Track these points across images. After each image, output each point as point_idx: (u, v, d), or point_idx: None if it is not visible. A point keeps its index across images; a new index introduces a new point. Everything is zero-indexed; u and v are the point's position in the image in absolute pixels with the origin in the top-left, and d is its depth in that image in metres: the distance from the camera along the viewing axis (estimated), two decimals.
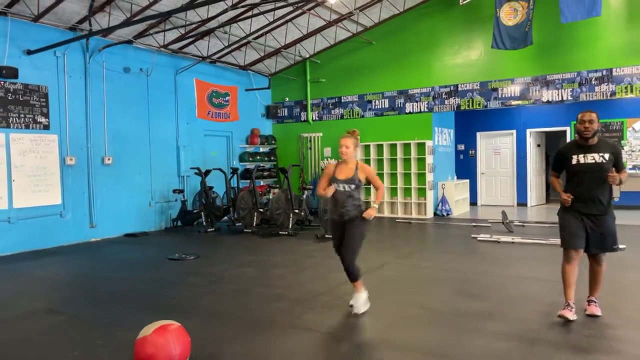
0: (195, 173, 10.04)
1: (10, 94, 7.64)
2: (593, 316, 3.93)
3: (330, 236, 4.53)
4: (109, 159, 9.02)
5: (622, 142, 11.51)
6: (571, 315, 3.85)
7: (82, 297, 5.16)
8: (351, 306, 4.28)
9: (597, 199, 3.89)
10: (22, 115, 7.79)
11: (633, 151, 11.44)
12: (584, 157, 3.91)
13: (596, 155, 3.86)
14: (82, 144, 8.64)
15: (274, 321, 4.12)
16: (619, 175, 3.86)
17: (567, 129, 12.01)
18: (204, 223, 9.88)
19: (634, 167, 11.43)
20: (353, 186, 4.22)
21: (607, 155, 3.86)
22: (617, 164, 3.91)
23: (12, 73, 7.57)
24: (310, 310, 4.42)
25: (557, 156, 4.18)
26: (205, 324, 4.08)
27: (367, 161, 11.84)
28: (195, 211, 10.08)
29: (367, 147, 11.83)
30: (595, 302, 4.05)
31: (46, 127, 8.12)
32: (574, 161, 3.95)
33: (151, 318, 3.38)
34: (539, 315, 4.06)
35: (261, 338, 3.73)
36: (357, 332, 3.83)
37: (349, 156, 4.29)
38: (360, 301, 4.26)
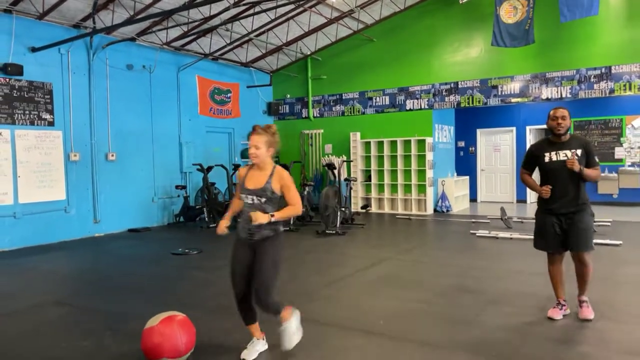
0: (198, 169, 10.15)
1: (15, 91, 7.75)
2: (586, 320, 3.80)
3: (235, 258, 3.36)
4: (112, 155, 9.13)
5: (622, 139, 11.60)
6: (558, 314, 3.86)
7: (89, 290, 5.28)
8: (280, 335, 3.33)
9: (572, 196, 3.80)
10: (27, 112, 7.90)
11: (632, 148, 11.53)
12: (556, 154, 3.84)
13: (568, 152, 3.80)
14: (86, 140, 8.75)
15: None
16: (590, 170, 3.77)
17: None
18: (206, 219, 9.99)
19: (632, 165, 11.52)
20: (263, 199, 3.20)
21: (579, 152, 3.80)
22: (589, 159, 3.83)
23: (17, 70, 7.67)
24: (310, 302, 4.53)
25: (528, 154, 4.11)
26: (209, 315, 4.20)
27: (368, 158, 11.93)
28: (197, 207, 10.19)
29: (367, 144, 11.92)
30: (586, 302, 3.91)
31: (51, 124, 8.23)
32: (546, 159, 3.88)
33: (157, 310, 3.49)
34: (534, 309, 4.16)
35: (263, 329, 3.84)
36: (356, 323, 3.94)
37: (260, 159, 3.20)
38: (291, 330, 3.32)
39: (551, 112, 3.88)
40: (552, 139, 3.92)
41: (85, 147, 8.73)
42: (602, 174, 11.67)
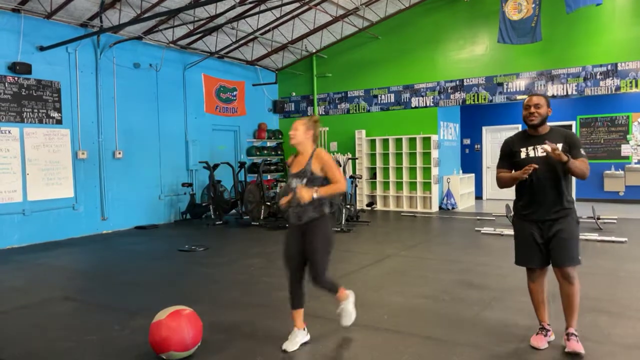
0: (204, 167, 10.22)
1: (24, 90, 7.84)
2: (575, 354, 3.15)
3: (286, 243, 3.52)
4: (119, 153, 9.22)
5: (628, 136, 11.55)
6: (543, 343, 3.30)
7: (97, 285, 5.36)
8: (339, 315, 3.66)
9: (553, 200, 3.22)
10: (35, 110, 7.99)
11: (639, 146, 11.47)
12: (534, 149, 3.27)
13: (547, 147, 3.14)
14: (93, 138, 8.84)
15: (281, 309, 4.28)
16: (577, 161, 3.14)
17: (573, 123, 12.05)
18: (213, 216, 10.06)
19: (639, 162, 11.47)
20: (305, 180, 3.34)
21: (560, 145, 3.17)
22: (574, 152, 3.20)
23: (26, 69, 7.77)
24: (315, 298, 4.57)
25: (503, 150, 3.46)
26: (215, 310, 4.26)
27: (373, 155, 11.96)
28: (203, 204, 10.27)
29: (372, 142, 11.95)
30: (575, 335, 3.23)
31: (59, 122, 8.32)
32: (522, 155, 3.30)
33: (163, 305, 3.55)
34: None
35: (269, 324, 3.90)
36: (361, 319, 3.98)
37: (297, 139, 3.39)
38: (349, 309, 3.63)
39: (525, 100, 3.32)
40: (528, 132, 3.36)
41: (92, 145, 8.82)
42: (608, 172, 11.64)
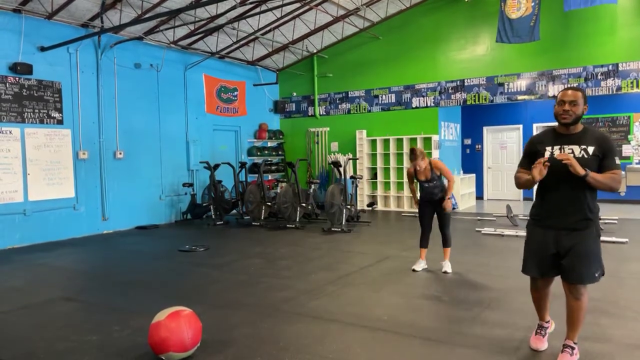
0: (205, 167, 10.23)
1: (25, 90, 7.85)
2: None
3: None
4: (120, 153, 9.23)
5: (629, 136, 11.53)
6: (542, 344, 3.25)
7: (97, 286, 5.36)
8: (445, 272, 5.46)
9: (575, 208, 2.91)
10: (36, 111, 8.00)
11: None
12: (560, 149, 2.93)
13: (576, 148, 2.89)
14: (94, 138, 8.85)
15: (280, 309, 4.28)
16: (601, 175, 2.79)
17: None
18: (213, 216, 10.07)
19: None
20: (434, 182, 5.55)
21: (591, 149, 2.86)
22: (605, 161, 2.84)
23: (27, 69, 7.78)
24: (315, 299, 4.58)
25: (526, 147, 3.16)
26: (215, 311, 4.26)
27: (374, 156, 11.98)
28: (204, 204, 10.28)
29: (373, 142, 11.95)
30: (571, 348, 3.04)
31: (60, 122, 8.33)
32: (547, 154, 2.96)
33: (163, 305, 3.55)
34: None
35: (269, 325, 3.90)
36: (360, 320, 3.98)
37: (422, 168, 5.53)
38: (448, 264, 5.59)
39: (559, 95, 2.95)
40: (558, 130, 3.00)
41: (93, 145, 8.83)
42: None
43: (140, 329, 3.76)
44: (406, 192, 11.55)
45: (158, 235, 8.77)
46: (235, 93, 12.00)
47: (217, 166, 10.21)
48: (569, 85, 9.82)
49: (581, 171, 2.76)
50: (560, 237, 2.97)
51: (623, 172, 11.47)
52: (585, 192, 2.89)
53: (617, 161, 2.88)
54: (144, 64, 9.71)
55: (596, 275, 2.96)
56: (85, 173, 8.70)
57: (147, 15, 8.24)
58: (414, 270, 5.52)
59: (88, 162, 8.74)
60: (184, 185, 10.26)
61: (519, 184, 3.14)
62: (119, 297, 4.85)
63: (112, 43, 9.01)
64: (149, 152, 9.82)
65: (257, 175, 10.77)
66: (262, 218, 9.67)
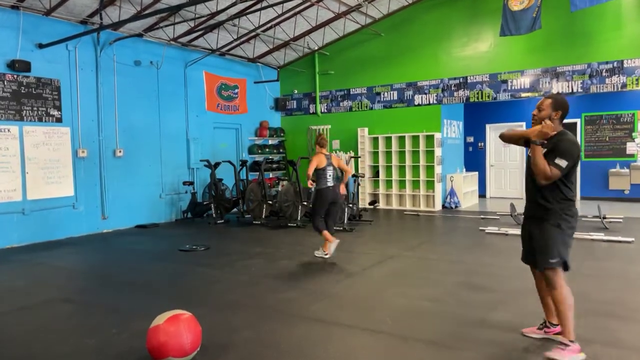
0: (205, 165, 10.14)
1: (23, 87, 7.76)
2: None
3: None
4: (120, 152, 9.14)
5: (633, 134, 11.42)
6: (532, 331, 3.49)
7: (96, 286, 5.29)
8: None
9: (536, 200, 3.25)
10: (35, 108, 7.92)
11: None
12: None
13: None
14: (93, 136, 8.76)
15: (283, 311, 4.20)
16: (542, 159, 3.07)
17: (578, 120, 11.93)
18: (214, 215, 9.99)
19: None
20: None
21: (548, 147, 3.16)
22: (548, 155, 3.11)
23: (25, 66, 7.69)
24: (318, 301, 4.50)
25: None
26: (215, 313, 4.18)
27: (376, 154, 11.88)
28: (205, 203, 10.19)
29: (375, 140, 11.85)
30: (564, 345, 3.09)
31: (59, 120, 8.24)
32: (529, 153, 3.31)
33: (163, 307, 3.48)
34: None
35: (270, 328, 3.82)
36: (364, 322, 3.90)
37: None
38: (318, 253, 6.18)
39: None
40: None
41: (93, 144, 8.74)
42: (613, 170, 11.51)
43: (139, 331, 3.67)
44: (408, 190, 11.46)
45: (158, 234, 8.69)
46: (236, 90, 11.90)
47: (217, 164, 10.13)
48: (572, 83, 9.72)
49: (533, 136, 3.15)
50: (527, 225, 3.38)
51: (627, 170, 11.36)
52: (546, 187, 3.17)
53: (560, 162, 3.07)
54: (144, 61, 9.62)
55: (551, 261, 3.15)
56: (84, 171, 8.61)
57: (146, 12, 8.14)
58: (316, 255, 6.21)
59: (87, 161, 8.66)
60: (184, 183, 10.18)
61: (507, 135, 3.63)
62: (118, 298, 4.77)
63: (112, 40, 8.91)
64: (149, 150, 9.73)
65: (258, 173, 10.68)
66: (263, 217, 9.59)
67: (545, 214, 3.19)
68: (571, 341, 3.09)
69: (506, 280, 5.05)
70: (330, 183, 6.20)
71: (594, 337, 3.39)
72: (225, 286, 5.11)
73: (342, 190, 6.35)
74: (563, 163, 3.07)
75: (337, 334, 3.67)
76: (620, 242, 6.73)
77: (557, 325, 3.35)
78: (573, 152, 3.10)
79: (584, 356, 3.07)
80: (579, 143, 3.42)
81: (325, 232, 6.13)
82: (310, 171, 6.14)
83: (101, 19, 8.20)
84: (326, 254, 6.09)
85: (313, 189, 6.12)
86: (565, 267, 3.17)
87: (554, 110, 3.23)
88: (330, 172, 6.20)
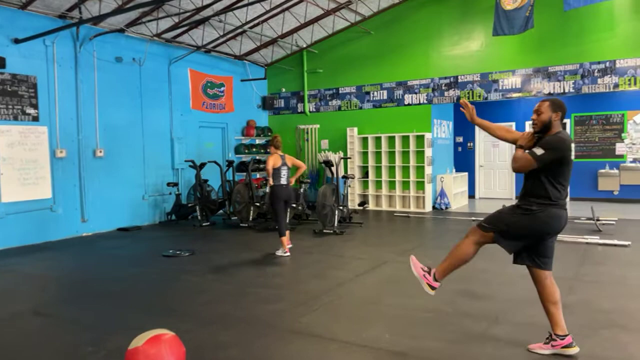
0: (190, 166, 9.81)
1: None
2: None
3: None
4: (100, 152, 8.78)
5: (623, 135, 11.38)
6: (536, 347, 3.32)
7: (71, 296, 4.96)
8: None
9: (523, 195, 3.31)
10: (10, 107, 7.53)
11: (634, 144, 11.32)
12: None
13: (537, 150, 3.22)
14: (72, 136, 8.39)
15: (273, 325, 3.94)
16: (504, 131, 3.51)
17: (567, 121, 11.86)
18: (199, 217, 9.67)
19: (634, 161, 11.32)
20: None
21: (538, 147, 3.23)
22: (532, 148, 3.24)
23: (0, 63, 7.30)
24: (311, 312, 4.25)
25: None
26: (200, 329, 3.90)
27: (365, 154, 11.66)
28: (189, 205, 9.87)
29: (365, 140, 11.63)
30: (553, 341, 3.24)
31: (35, 119, 7.86)
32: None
33: (144, 320, 3.20)
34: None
35: (260, 344, 3.56)
36: (360, 338, 3.66)
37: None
38: (278, 252, 6.50)
39: None
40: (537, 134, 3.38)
41: (72, 143, 8.37)
42: (603, 171, 11.47)
43: (116, 350, 3.39)
44: (398, 191, 11.27)
45: (140, 237, 8.35)
46: (222, 89, 11.59)
47: (203, 165, 9.82)
48: (564, 83, 9.61)
49: (520, 140, 3.31)
50: None
51: (617, 171, 11.33)
52: (528, 183, 3.28)
53: (536, 150, 3.14)
54: (126, 57, 9.26)
55: (484, 224, 3.35)
56: (63, 172, 8.24)
57: (128, 6, 7.78)
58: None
59: (66, 161, 8.28)
60: (168, 184, 9.85)
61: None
62: (94, 311, 4.45)
63: (92, 35, 8.55)
64: (131, 150, 9.38)
65: (245, 174, 10.40)
66: (251, 219, 9.30)
67: (524, 202, 3.26)
68: (559, 335, 3.21)
69: (504, 288, 4.86)
70: (284, 181, 6.57)
71: (606, 354, 3.20)
72: (211, 296, 4.83)
73: (292, 182, 6.79)
74: (539, 151, 3.12)
75: (333, 352, 3.42)
76: (616, 245, 6.59)
77: (565, 337, 3.20)
78: (555, 145, 3.12)
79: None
80: (571, 141, 3.34)
81: (283, 239, 6.47)
82: (269, 171, 6.53)
83: (80, 13, 7.83)
84: (286, 253, 6.47)
85: (268, 187, 6.57)
86: (501, 246, 3.30)
87: (554, 112, 3.24)
88: (284, 172, 6.59)
